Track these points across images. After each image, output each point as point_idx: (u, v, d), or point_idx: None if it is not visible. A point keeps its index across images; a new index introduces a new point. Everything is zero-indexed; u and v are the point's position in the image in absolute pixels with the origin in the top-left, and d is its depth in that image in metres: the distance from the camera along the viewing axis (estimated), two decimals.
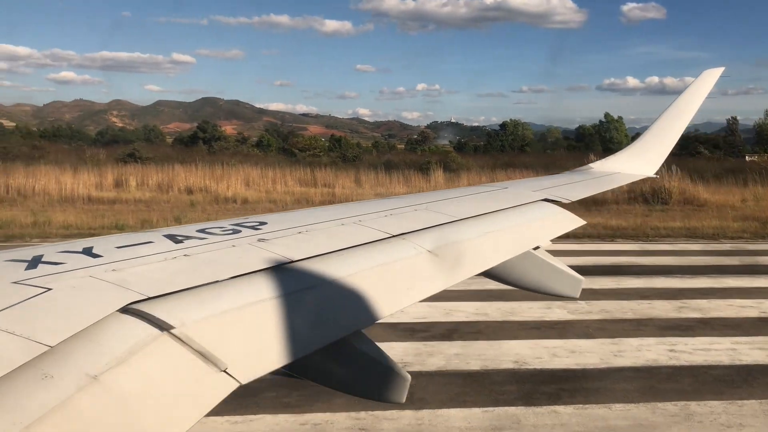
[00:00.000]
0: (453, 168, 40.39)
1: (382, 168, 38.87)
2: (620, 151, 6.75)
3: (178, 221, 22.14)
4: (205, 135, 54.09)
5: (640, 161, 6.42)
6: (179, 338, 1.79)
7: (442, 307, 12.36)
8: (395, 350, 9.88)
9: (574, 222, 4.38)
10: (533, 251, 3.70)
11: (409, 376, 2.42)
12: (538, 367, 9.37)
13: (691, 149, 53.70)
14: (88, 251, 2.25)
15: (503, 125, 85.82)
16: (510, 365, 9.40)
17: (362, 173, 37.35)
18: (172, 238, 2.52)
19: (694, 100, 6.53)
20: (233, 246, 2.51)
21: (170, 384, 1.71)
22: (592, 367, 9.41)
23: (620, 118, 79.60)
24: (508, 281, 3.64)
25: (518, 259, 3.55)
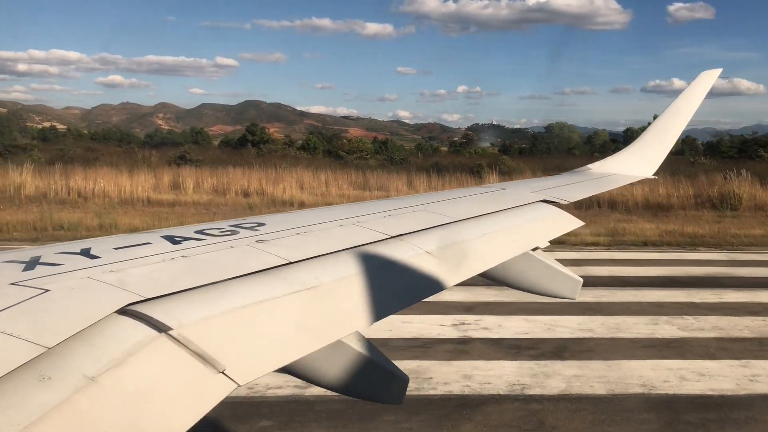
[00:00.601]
0: (505, 171, 39.48)
1: (432, 171, 38.18)
2: (619, 152, 6.71)
3: None
4: (254, 138, 54.12)
5: (639, 162, 6.36)
6: (177, 340, 1.77)
7: (541, 321, 11.67)
8: (506, 369, 9.25)
9: (572, 223, 4.34)
10: (532, 252, 3.65)
11: (407, 378, 2.37)
12: (670, 392, 8.75)
13: (751, 153, 51.66)
14: (86, 252, 2.23)
15: (548, 127, 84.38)
16: (638, 389, 8.79)
17: (413, 176, 36.72)
18: (170, 239, 2.50)
19: (692, 101, 6.46)
20: (231, 247, 2.48)
21: (168, 385, 1.69)
22: (730, 393, 8.74)
23: None
24: (506, 282, 3.59)
25: (517, 260, 3.51)
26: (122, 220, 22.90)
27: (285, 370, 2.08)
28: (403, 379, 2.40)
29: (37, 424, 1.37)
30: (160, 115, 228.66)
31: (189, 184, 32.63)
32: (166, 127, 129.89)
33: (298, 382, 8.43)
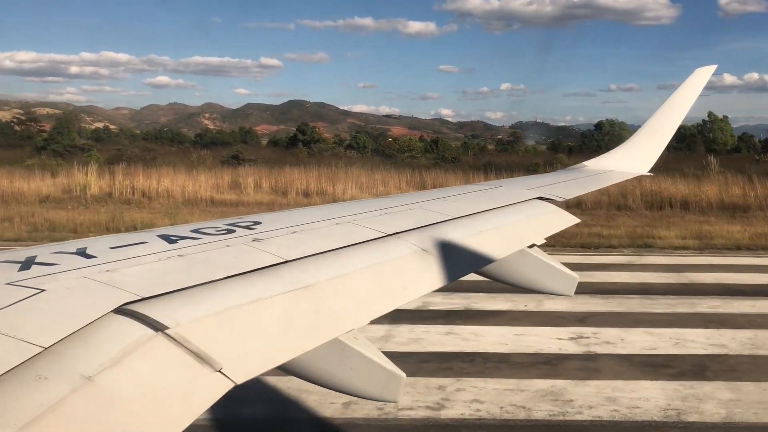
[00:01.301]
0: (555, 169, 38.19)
1: (488, 169, 37.12)
2: (614, 149, 6.66)
3: None
4: (305, 137, 53.92)
5: (634, 159, 6.31)
6: (174, 339, 1.75)
7: (665, 335, 10.81)
8: (651, 391, 8.40)
9: (568, 220, 4.31)
10: (528, 249, 3.61)
11: (404, 375, 2.32)
12: None
13: None
14: (81, 252, 2.22)
15: (599, 125, 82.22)
16: None
17: (469, 175, 35.74)
18: (166, 238, 2.48)
19: (687, 98, 6.41)
20: (228, 246, 2.47)
21: (165, 385, 1.67)
22: None
23: (726, 117, 74.61)
24: (502, 279, 3.56)
25: (513, 258, 3.48)
26: (192, 221, 22.60)
27: (282, 368, 2.06)
28: (399, 377, 2.35)
29: (34, 424, 1.35)
30: (207, 115, 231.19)
31: (249, 184, 32.35)
32: (212, 127, 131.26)
33: (430, 403, 7.72)
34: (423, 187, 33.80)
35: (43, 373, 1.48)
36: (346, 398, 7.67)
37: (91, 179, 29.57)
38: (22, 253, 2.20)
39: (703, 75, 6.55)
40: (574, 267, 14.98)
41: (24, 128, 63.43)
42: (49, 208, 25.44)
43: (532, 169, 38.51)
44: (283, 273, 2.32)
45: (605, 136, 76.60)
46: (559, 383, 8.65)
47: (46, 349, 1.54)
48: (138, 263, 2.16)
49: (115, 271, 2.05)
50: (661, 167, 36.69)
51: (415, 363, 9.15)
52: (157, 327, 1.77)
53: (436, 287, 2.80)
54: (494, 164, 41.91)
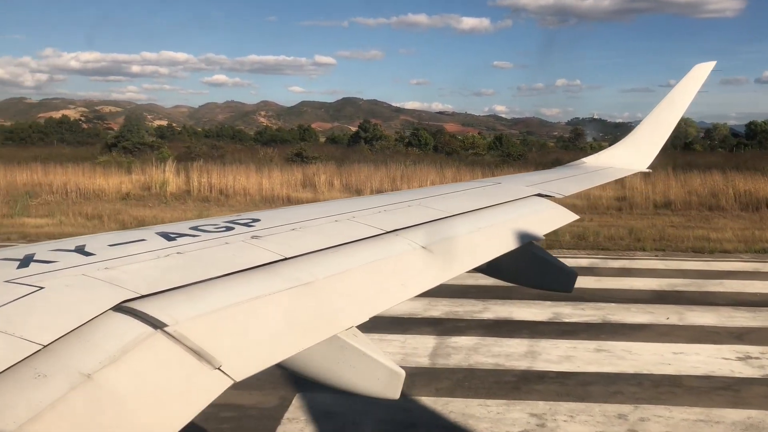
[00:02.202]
0: None
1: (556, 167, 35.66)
2: (613, 146, 6.63)
3: None
4: (367, 134, 53.42)
5: (633, 156, 6.26)
6: (173, 336, 1.74)
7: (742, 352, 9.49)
8: None
9: (567, 217, 4.27)
10: (527, 246, 3.56)
11: (403, 372, 2.29)
12: None
13: None
14: (80, 249, 2.20)
15: None
16: None
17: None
18: (164, 235, 2.46)
19: (686, 94, 6.32)
20: (226, 243, 2.45)
21: (164, 382, 1.65)
22: None
23: None
24: (501, 276, 3.56)
25: (512, 254, 3.43)
26: None
27: (281, 366, 2.02)
28: (398, 374, 2.29)
29: (33, 422, 1.34)
30: (262, 113, 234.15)
31: (321, 181, 31.79)
32: (268, 125, 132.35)
33: None
34: None
35: (42, 371, 1.47)
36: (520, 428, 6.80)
37: (169, 177, 29.51)
38: (20, 250, 2.17)
39: (702, 71, 6.46)
40: (699, 274, 13.56)
41: (91, 126, 64.77)
42: (131, 206, 25.42)
43: None
44: (282, 270, 2.30)
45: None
46: (754, 414, 7.59)
47: (45, 346, 1.53)
48: (137, 261, 2.14)
49: (114, 269, 2.03)
50: (741, 165, 34.43)
51: (578, 385, 8.22)
52: (156, 325, 1.76)
53: (436, 284, 2.75)
54: (563, 162, 40.37)
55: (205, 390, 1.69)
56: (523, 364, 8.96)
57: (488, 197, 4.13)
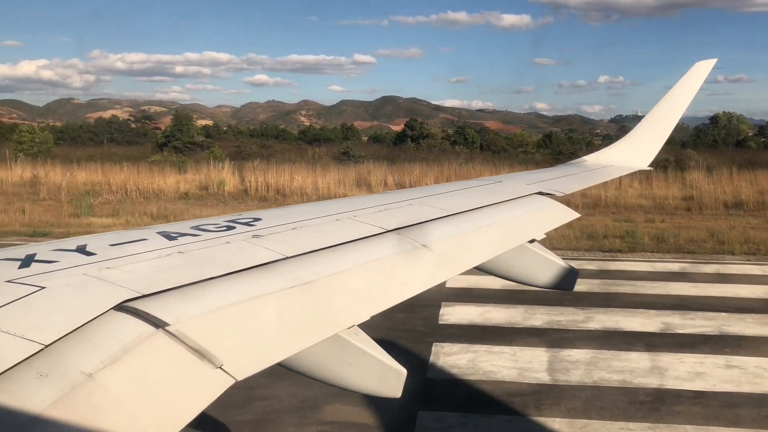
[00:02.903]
0: (688, 166, 34.64)
1: None
2: (614, 144, 6.58)
3: None
4: (413, 133, 52.81)
5: (633, 154, 6.22)
6: (174, 335, 1.73)
7: None
8: None
9: (568, 215, 4.26)
10: (528, 244, 3.53)
11: (404, 371, 2.27)
12: None
13: None
14: (81, 249, 2.19)
15: (714, 118, 76.67)
16: None
17: None
18: (165, 235, 2.45)
19: (686, 92, 6.29)
20: (227, 243, 2.44)
21: (166, 381, 1.64)
22: None
23: None
24: (502, 275, 3.47)
25: (513, 253, 3.41)
26: None
27: (283, 365, 2.00)
28: (400, 372, 2.28)
29: (35, 423, 1.33)
30: (303, 112, 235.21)
31: (374, 180, 31.27)
32: (308, 124, 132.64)
33: None
34: None
35: (43, 370, 1.46)
36: None
37: (226, 176, 29.34)
38: (21, 250, 2.16)
39: (703, 69, 6.35)
40: None
41: (139, 126, 65.54)
42: (191, 205, 25.27)
43: (662, 166, 35.60)
44: (282, 269, 2.28)
45: (721, 131, 70.99)
46: None
47: (46, 346, 1.51)
48: (138, 260, 2.12)
49: (115, 269, 2.01)
50: None
51: (723, 407, 7.46)
52: (158, 324, 1.74)
53: (436, 283, 2.73)
54: None
55: (206, 389, 1.67)
56: (652, 382, 8.22)
57: (489, 195, 4.10)
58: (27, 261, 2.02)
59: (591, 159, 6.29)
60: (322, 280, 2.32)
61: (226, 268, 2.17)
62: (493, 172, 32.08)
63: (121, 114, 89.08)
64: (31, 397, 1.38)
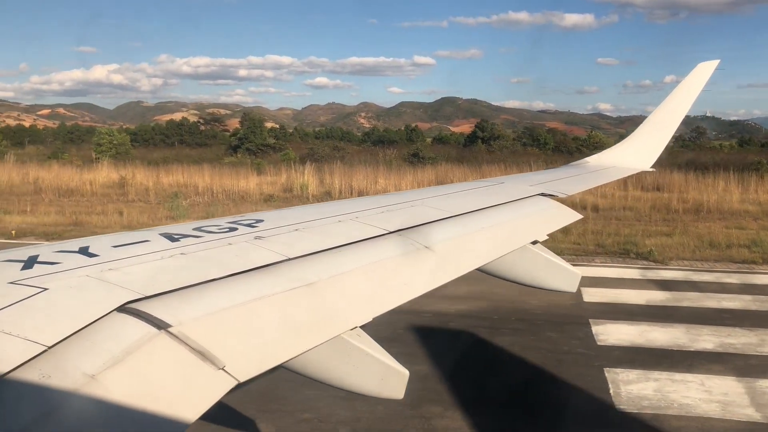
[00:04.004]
0: None
1: (696, 169, 32.07)
2: (616, 145, 6.49)
3: (567, 231, 18.59)
4: (484, 134, 51.53)
5: (636, 155, 6.14)
6: (176, 337, 1.72)
7: None
8: None
9: (570, 216, 4.20)
10: (531, 246, 3.46)
11: (407, 372, 2.21)
12: None
13: None
14: (84, 251, 2.17)
15: None
16: None
17: (690, 174, 31.12)
18: (168, 236, 2.42)
19: (689, 93, 6.18)
20: (230, 244, 2.42)
21: (168, 383, 1.63)
22: None
23: None
24: (505, 277, 3.39)
25: (515, 254, 3.35)
26: None
27: (285, 366, 1.97)
28: (402, 374, 2.22)
29: (38, 423, 1.33)
30: (362, 114, 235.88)
31: (456, 181, 30.30)
32: (368, 126, 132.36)
33: None
34: (658, 188, 29.70)
35: (46, 372, 1.44)
36: None
37: (309, 178, 28.89)
38: (24, 251, 2.14)
39: (705, 70, 6.23)
40: None
41: (208, 128, 66.33)
42: (279, 208, 24.79)
43: (756, 168, 33.39)
44: (285, 271, 2.26)
45: None
46: None
47: (49, 348, 1.51)
48: (140, 262, 2.10)
49: (118, 270, 2.00)
50: None
51: None
52: (160, 325, 1.73)
53: (439, 284, 2.68)
54: (698, 162, 36.59)
55: (209, 391, 1.65)
56: None
57: (491, 197, 4.04)
58: (30, 262, 2.00)
59: (593, 160, 6.17)
60: (324, 281, 2.30)
61: (229, 269, 2.15)
62: None
63: (188, 116, 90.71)
64: (34, 398, 1.38)
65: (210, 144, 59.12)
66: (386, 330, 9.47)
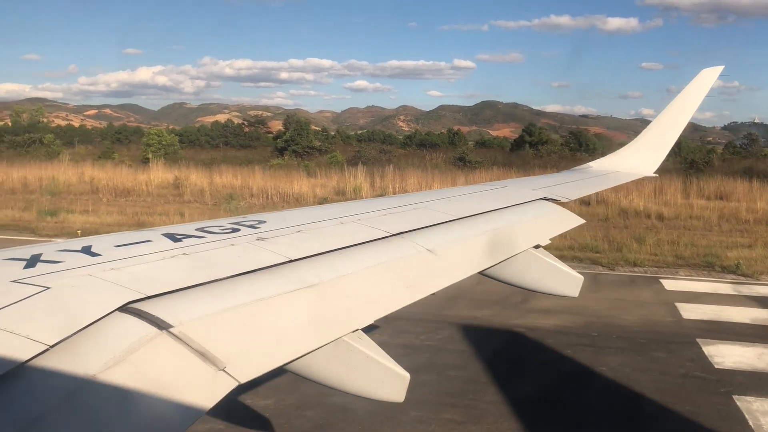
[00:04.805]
0: None
1: (756, 177, 30.55)
2: (620, 150, 6.42)
3: (641, 241, 17.70)
4: (531, 138, 50.50)
5: (639, 160, 6.10)
6: (178, 337, 1.71)
7: None
8: None
9: (573, 221, 4.17)
10: (533, 250, 3.42)
11: (408, 375, 2.17)
12: None
13: None
14: (86, 250, 2.16)
15: None
16: None
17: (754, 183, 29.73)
18: (170, 236, 2.41)
19: (693, 99, 6.16)
20: (232, 245, 2.40)
21: (169, 383, 1.61)
22: None
23: None
24: (507, 281, 3.34)
25: (518, 259, 3.31)
26: None
27: (286, 368, 1.95)
28: (403, 377, 2.18)
29: (40, 422, 1.33)
30: (401, 117, 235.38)
31: None
32: (407, 129, 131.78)
33: None
34: (720, 198, 28.47)
35: (48, 371, 1.44)
36: None
37: (362, 182, 28.50)
38: (27, 250, 2.12)
39: (709, 76, 6.21)
40: None
41: (252, 130, 66.61)
42: None
43: None
44: (287, 272, 2.24)
45: None
46: None
47: (51, 347, 1.49)
48: (143, 261, 2.08)
49: (120, 270, 1.99)
50: None
51: None
52: (161, 325, 1.72)
53: (441, 288, 2.66)
54: (756, 170, 34.95)
55: (209, 391, 1.63)
56: None
57: (494, 200, 4.03)
58: (32, 261, 1.98)
59: (596, 165, 6.14)
60: (327, 283, 2.26)
61: (231, 270, 2.12)
62: (638, 182, 29.33)
63: (230, 118, 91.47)
64: (35, 398, 1.37)
65: (254, 146, 59.30)
66: (484, 347, 8.90)
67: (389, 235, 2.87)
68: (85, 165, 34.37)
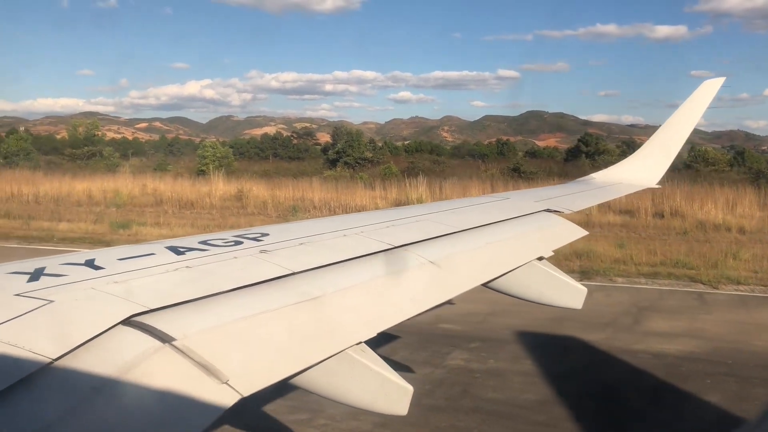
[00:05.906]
0: None
1: None
2: (622, 162, 6.47)
3: (736, 257, 16.65)
4: (588, 148, 49.26)
5: (642, 172, 6.10)
6: (181, 350, 1.70)
7: None
8: None
9: (576, 232, 4.13)
10: (536, 262, 3.37)
11: (411, 388, 2.13)
12: None
13: None
14: (90, 263, 2.15)
15: None
16: None
17: None
18: (173, 249, 2.40)
19: (695, 110, 6.16)
20: (235, 258, 2.39)
21: (171, 396, 1.59)
22: None
23: None
24: (510, 293, 3.27)
25: (521, 271, 3.28)
26: None
27: (289, 381, 1.92)
28: (406, 389, 2.14)
29: None
30: (445, 128, 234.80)
31: None
32: (451, 139, 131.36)
33: None
34: None
35: (51, 384, 1.43)
36: None
37: (422, 193, 28.03)
38: (30, 264, 2.12)
39: (711, 87, 6.23)
40: None
41: (300, 142, 66.95)
42: None
43: None
44: (290, 285, 2.23)
45: None
46: None
47: (54, 360, 1.49)
48: (146, 275, 2.08)
49: (123, 283, 1.98)
50: None
51: None
52: (164, 339, 1.71)
53: (444, 300, 2.63)
54: None
55: (212, 404, 1.62)
56: None
57: (497, 212, 4.00)
58: (36, 275, 1.98)
59: (600, 176, 6.11)
60: (330, 296, 2.24)
61: (233, 283, 2.11)
62: (707, 192, 28.00)
63: (278, 130, 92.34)
64: (38, 411, 1.36)
65: (302, 157, 59.52)
66: (613, 375, 8.19)
67: (392, 247, 2.86)
68: (145, 177, 34.74)
